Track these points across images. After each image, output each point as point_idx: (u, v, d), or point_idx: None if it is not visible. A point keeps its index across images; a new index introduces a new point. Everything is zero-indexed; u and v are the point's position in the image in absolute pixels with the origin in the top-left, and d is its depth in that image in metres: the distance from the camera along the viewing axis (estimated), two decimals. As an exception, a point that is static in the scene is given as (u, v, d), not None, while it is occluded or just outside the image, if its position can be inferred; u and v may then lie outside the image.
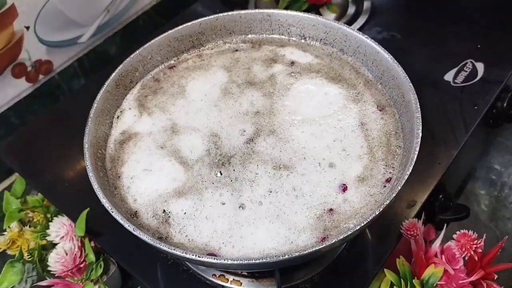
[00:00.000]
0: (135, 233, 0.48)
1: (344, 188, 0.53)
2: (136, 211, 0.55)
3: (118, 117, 0.64)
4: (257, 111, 0.62)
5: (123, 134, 0.62)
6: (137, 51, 0.66)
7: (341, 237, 0.46)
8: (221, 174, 0.57)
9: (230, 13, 0.70)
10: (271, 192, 0.54)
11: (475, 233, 0.66)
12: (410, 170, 0.49)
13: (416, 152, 0.50)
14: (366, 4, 0.96)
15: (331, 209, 0.52)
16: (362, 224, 0.47)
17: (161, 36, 0.67)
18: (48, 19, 0.86)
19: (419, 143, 0.51)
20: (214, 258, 0.46)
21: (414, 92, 0.56)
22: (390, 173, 0.55)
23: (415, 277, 0.63)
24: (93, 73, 1.00)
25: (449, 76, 0.83)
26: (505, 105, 0.82)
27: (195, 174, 0.57)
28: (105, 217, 0.50)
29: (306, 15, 0.68)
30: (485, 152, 0.96)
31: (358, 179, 0.54)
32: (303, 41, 0.70)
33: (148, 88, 0.67)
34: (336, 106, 0.62)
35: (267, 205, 0.53)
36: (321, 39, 0.69)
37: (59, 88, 0.96)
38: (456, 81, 0.82)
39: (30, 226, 0.76)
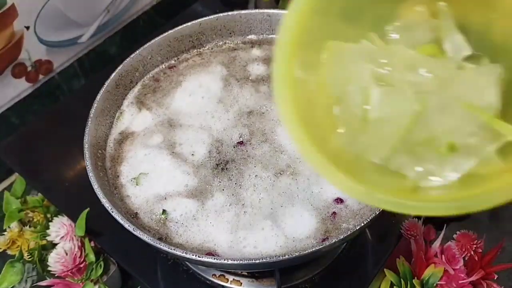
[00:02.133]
0: (135, 233, 0.48)
1: (340, 201, 0.53)
2: (136, 212, 0.55)
3: (118, 117, 0.64)
4: (251, 110, 0.62)
5: (122, 133, 0.62)
6: (137, 51, 0.66)
7: (341, 237, 0.46)
8: (221, 174, 0.56)
9: (230, 13, 0.70)
10: (272, 195, 0.54)
11: (475, 233, 0.66)
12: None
13: (416, 152, 0.50)
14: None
15: (334, 213, 0.52)
16: (362, 224, 0.47)
17: (161, 36, 0.67)
18: (48, 19, 0.86)
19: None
20: (214, 258, 0.46)
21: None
22: (390, 173, 0.55)
23: (415, 277, 0.63)
24: (93, 73, 1.00)
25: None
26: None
27: (195, 174, 0.57)
28: (105, 217, 0.50)
29: (306, 15, 0.68)
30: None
31: None
32: (303, 41, 0.70)
33: (148, 88, 0.67)
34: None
35: (267, 208, 0.53)
36: (321, 39, 0.68)
37: (59, 88, 0.95)
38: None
39: (30, 226, 0.76)
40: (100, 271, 0.68)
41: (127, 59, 0.65)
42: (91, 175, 0.53)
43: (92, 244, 0.70)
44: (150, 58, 0.67)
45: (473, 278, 0.63)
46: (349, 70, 0.36)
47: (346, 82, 0.36)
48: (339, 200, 0.53)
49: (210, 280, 0.65)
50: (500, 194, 0.29)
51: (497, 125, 0.31)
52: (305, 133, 0.33)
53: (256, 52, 0.70)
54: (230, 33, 0.71)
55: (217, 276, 0.65)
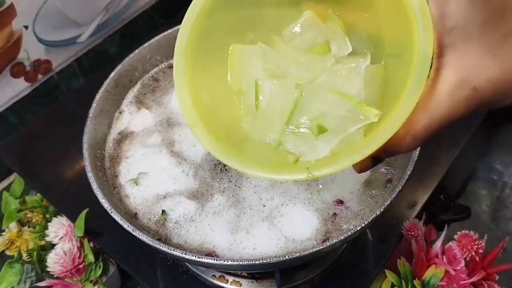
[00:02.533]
0: (134, 233, 0.48)
1: (340, 203, 0.53)
2: (136, 212, 0.54)
3: (117, 117, 0.63)
4: None
5: (121, 133, 0.62)
6: (137, 51, 0.65)
7: (342, 237, 0.46)
8: (221, 175, 0.56)
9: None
10: (272, 196, 0.54)
11: (476, 233, 0.66)
12: (410, 170, 0.49)
13: (417, 153, 0.50)
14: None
15: (334, 214, 0.52)
16: (363, 225, 0.46)
17: (161, 35, 0.67)
18: (47, 18, 0.85)
19: (420, 143, 0.51)
20: (214, 259, 0.46)
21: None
22: (391, 173, 0.55)
23: (416, 278, 0.63)
24: (92, 73, 1.00)
25: (450, 76, 0.82)
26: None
27: (195, 174, 0.56)
28: (104, 217, 0.49)
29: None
30: (486, 152, 0.96)
31: (365, 184, 0.54)
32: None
33: (148, 87, 0.67)
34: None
35: (267, 209, 0.53)
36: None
37: (58, 87, 0.95)
38: (457, 80, 0.82)
39: (29, 227, 0.76)
40: (99, 272, 0.68)
41: (127, 59, 0.65)
42: (90, 175, 0.52)
43: (91, 244, 0.70)
44: (149, 58, 0.67)
45: (474, 279, 0.63)
46: (247, 67, 0.43)
47: (246, 78, 0.43)
48: (340, 202, 0.53)
49: (209, 281, 0.65)
50: (343, 163, 0.36)
51: (362, 109, 0.38)
52: (204, 125, 0.40)
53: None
54: (230, 33, 0.71)
55: (217, 277, 0.65)
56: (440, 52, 0.33)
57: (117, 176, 0.58)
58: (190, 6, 0.40)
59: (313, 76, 0.41)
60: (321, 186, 0.54)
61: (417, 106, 0.33)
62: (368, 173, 0.55)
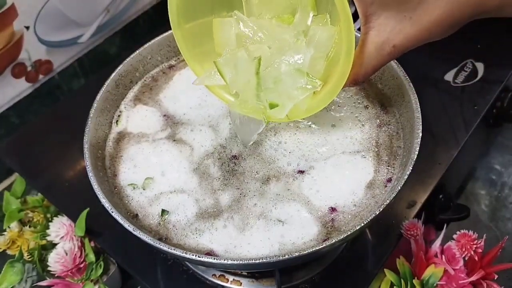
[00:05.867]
0: (135, 233, 0.48)
1: (334, 210, 0.53)
2: (136, 212, 0.55)
3: (117, 117, 0.64)
4: None
5: (122, 132, 0.62)
6: (137, 51, 0.66)
7: (341, 237, 0.46)
8: (222, 177, 0.56)
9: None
10: (273, 201, 0.54)
11: (475, 233, 0.66)
12: (410, 170, 0.49)
13: (416, 152, 0.50)
14: (366, 4, 0.96)
15: (332, 219, 0.52)
16: (362, 225, 0.47)
17: (161, 36, 0.67)
18: (48, 19, 0.86)
19: (419, 143, 0.51)
20: (214, 258, 0.46)
21: (414, 92, 0.55)
22: (391, 172, 0.55)
23: (415, 277, 0.63)
24: (93, 73, 1.00)
25: (449, 76, 0.83)
26: (505, 105, 0.82)
27: (196, 175, 0.57)
28: (105, 217, 0.50)
29: (306, 15, 0.68)
30: (485, 152, 0.96)
31: (367, 185, 0.54)
32: (303, 41, 0.70)
33: (148, 87, 0.67)
34: (340, 107, 0.61)
35: (267, 213, 0.53)
36: (321, 39, 0.69)
37: (59, 88, 0.96)
38: (456, 81, 0.82)
39: (30, 226, 0.76)
40: (100, 271, 0.68)
41: (127, 59, 0.65)
42: (90, 175, 0.53)
43: (92, 244, 0.70)
44: (150, 58, 0.67)
45: (473, 278, 0.63)
46: (225, 35, 0.53)
47: (225, 45, 0.53)
48: (333, 209, 0.52)
49: (210, 280, 0.65)
50: (312, 111, 0.50)
51: (310, 80, 0.48)
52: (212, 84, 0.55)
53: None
54: (230, 33, 0.71)
55: (217, 276, 0.65)
56: (366, 20, 0.43)
57: (117, 175, 0.58)
58: None
59: (272, 48, 0.50)
60: (322, 189, 0.54)
61: (354, 62, 0.44)
62: (370, 175, 0.55)
